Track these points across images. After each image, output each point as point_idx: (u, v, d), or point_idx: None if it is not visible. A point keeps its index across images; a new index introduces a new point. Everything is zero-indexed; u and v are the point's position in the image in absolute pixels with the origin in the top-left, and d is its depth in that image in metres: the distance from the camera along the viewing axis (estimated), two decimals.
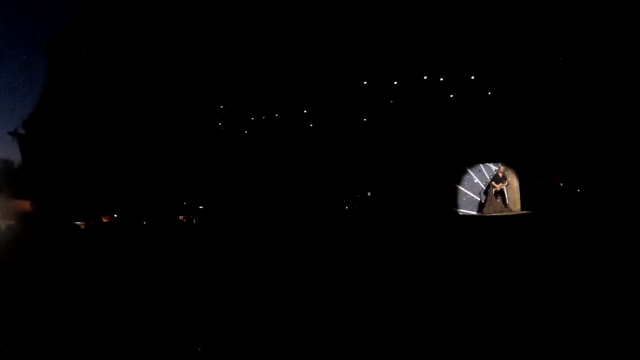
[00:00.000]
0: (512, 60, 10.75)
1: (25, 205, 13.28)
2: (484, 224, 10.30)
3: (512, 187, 12.01)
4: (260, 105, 12.13)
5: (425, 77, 11.33)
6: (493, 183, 11.91)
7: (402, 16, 9.86)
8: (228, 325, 3.20)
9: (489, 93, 11.41)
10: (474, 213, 11.75)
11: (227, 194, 13.06)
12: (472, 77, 11.27)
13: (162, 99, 11.84)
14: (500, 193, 11.88)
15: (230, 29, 10.71)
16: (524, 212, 11.41)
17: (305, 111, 12.00)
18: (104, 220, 13.52)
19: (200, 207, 14.03)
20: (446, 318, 3.15)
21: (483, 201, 11.94)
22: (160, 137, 12.64)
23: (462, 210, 11.81)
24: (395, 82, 11.42)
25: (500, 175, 11.88)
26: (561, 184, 11.83)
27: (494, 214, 11.30)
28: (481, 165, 12.07)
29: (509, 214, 11.30)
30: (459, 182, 11.96)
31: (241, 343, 2.85)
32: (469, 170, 12.00)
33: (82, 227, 12.96)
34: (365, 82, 11.48)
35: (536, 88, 10.97)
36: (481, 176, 12.07)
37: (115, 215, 13.69)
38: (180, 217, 14.16)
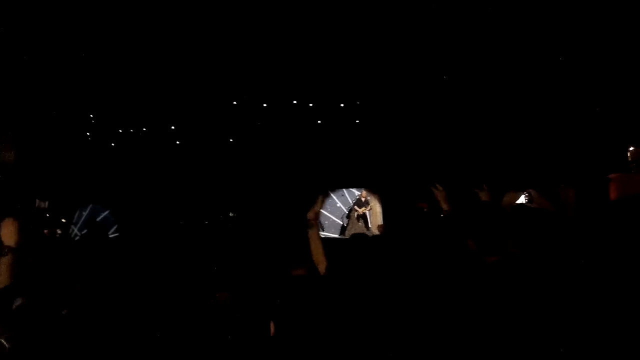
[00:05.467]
0: (378, 87, 11.24)
1: None
2: (345, 246, 10.61)
3: (374, 211, 12.57)
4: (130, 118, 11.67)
5: (294, 102, 11.62)
6: (356, 207, 12.42)
7: (271, 41, 9.99)
8: None
9: (356, 120, 11.95)
10: (336, 236, 12.14)
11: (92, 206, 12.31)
12: (341, 105, 11.75)
13: None
14: (363, 217, 12.40)
15: None
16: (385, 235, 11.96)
17: (172, 127, 11.75)
18: None
19: (63, 220, 13.04)
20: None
21: (345, 224, 12.40)
22: None
23: (324, 233, 12.12)
24: (265, 105, 11.58)
25: (363, 199, 12.42)
26: (425, 209, 12.60)
27: None
28: (344, 189, 12.56)
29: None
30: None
31: None
32: (332, 195, 12.41)
33: None
34: (234, 103, 11.51)
35: (400, 116, 11.58)
36: (344, 200, 12.54)
37: None
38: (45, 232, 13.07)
